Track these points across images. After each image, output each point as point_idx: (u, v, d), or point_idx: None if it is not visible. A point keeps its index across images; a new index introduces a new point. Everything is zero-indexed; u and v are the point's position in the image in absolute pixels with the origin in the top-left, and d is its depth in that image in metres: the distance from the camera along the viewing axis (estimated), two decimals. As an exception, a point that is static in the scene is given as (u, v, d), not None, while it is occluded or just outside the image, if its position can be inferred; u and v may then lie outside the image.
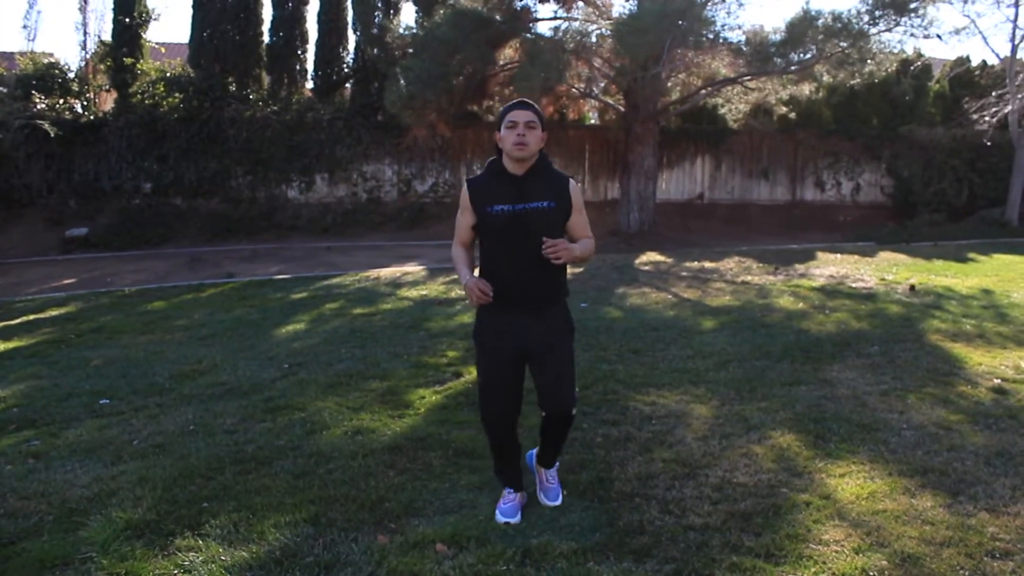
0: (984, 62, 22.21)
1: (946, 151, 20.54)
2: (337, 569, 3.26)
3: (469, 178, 3.71)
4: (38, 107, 17.68)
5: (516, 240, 3.53)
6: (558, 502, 3.90)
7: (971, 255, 14.29)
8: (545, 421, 3.74)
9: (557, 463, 4.04)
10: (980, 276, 11.53)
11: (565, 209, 3.60)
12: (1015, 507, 3.76)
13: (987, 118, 19.76)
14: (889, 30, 16.04)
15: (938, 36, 20.25)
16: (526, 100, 3.62)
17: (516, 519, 3.70)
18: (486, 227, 3.58)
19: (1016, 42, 19.48)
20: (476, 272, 3.64)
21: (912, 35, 16.17)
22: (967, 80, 21.64)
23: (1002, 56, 20.35)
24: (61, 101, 18.34)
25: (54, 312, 9.70)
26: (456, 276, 11.52)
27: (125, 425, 5.19)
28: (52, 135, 17.09)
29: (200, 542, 3.50)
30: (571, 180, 3.67)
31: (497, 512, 3.74)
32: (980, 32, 26.67)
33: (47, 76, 18.31)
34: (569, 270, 3.86)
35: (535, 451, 4.05)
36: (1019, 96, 19.03)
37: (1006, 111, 19.41)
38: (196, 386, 6.11)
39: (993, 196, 20.43)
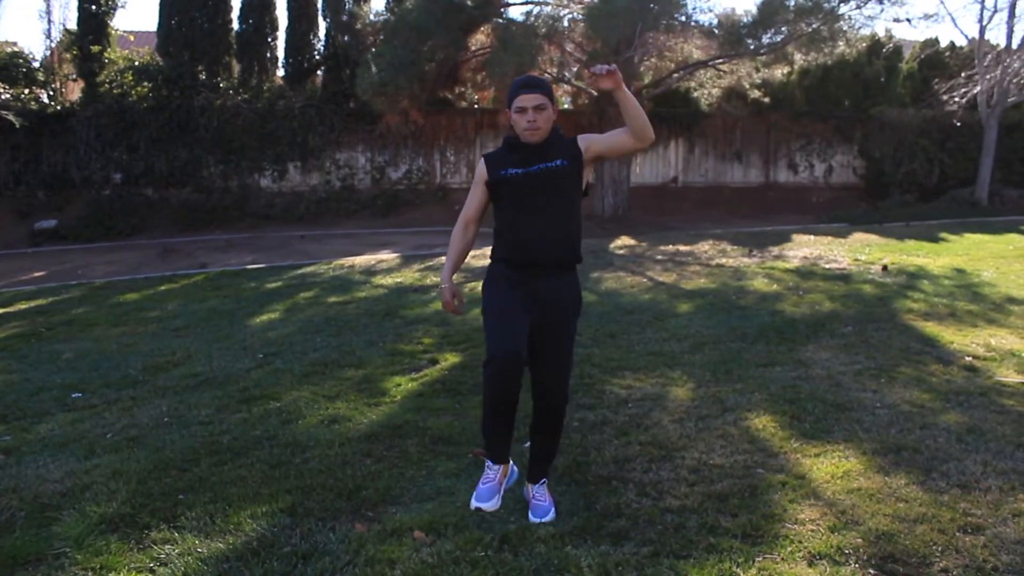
0: (953, 43, 22.42)
1: (917, 132, 20.73)
2: (315, 558, 3.24)
3: (487, 153, 3.72)
4: (2, 97, 17.37)
5: (529, 200, 3.52)
6: (548, 518, 3.54)
7: (942, 235, 14.44)
8: (535, 413, 3.65)
9: (545, 480, 3.73)
10: (951, 255, 11.65)
11: (577, 166, 3.54)
12: (986, 483, 3.81)
13: (956, 99, 19.96)
14: (859, 7, 16.16)
15: (908, 21, 20.54)
16: (532, 79, 3.58)
17: (491, 503, 3.54)
18: (501, 190, 3.57)
19: (984, 23, 19.69)
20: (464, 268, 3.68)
21: (882, 11, 16.36)
22: (936, 61, 21.83)
23: (970, 37, 20.55)
24: (26, 91, 18.03)
25: (23, 305, 9.57)
26: (431, 264, 11.50)
27: (98, 418, 5.13)
28: (17, 126, 16.82)
29: (176, 534, 3.47)
30: (579, 136, 3.64)
31: (473, 496, 3.56)
32: (949, 14, 26.93)
33: (11, 65, 17.97)
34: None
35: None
36: (987, 77, 19.21)
37: (975, 92, 19.59)
38: (170, 378, 6.05)
39: (963, 176, 20.65)
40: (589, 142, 3.61)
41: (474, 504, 3.56)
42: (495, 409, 3.53)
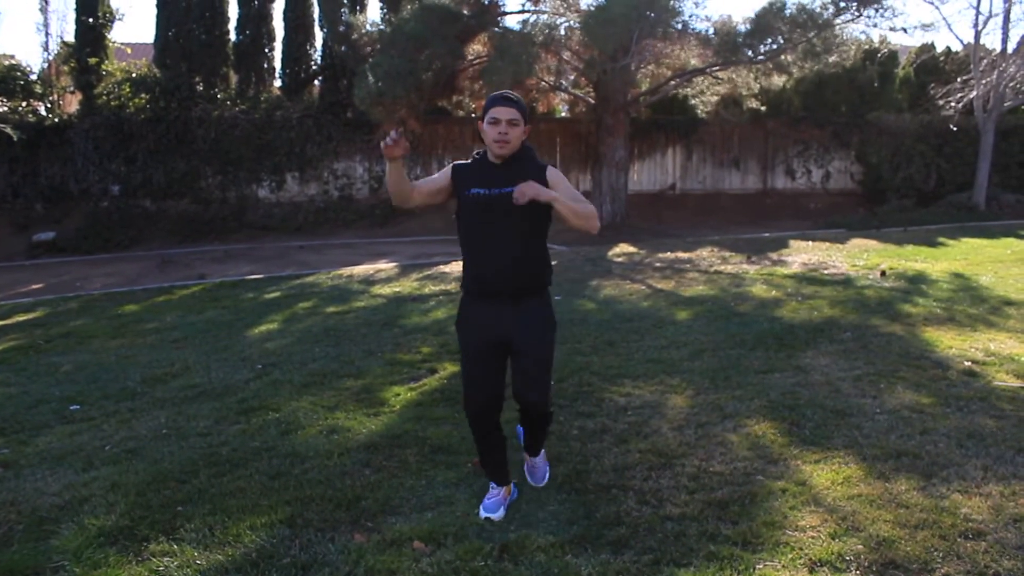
0: (948, 48, 22.46)
1: (913, 137, 20.77)
2: (314, 569, 3.24)
3: (455, 163, 3.74)
4: (0, 110, 17.41)
5: (493, 223, 3.56)
6: (543, 483, 4.00)
7: (940, 239, 14.45)
8: (521, 413, 3.82)
9: (543, 451, 4.08)
10: (949, 260, 11.66)
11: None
12: (987, 487, 3.80)
13: (953, 104, 20.00)
14: (853, 20, 16.23)
15: (904, 30, 20.54)
16: (509, 95, 3.60)
17: (498, 515, 3.67)
18: (465, 209, 3.63)
19: (979, 28, 19.72)
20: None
21: (875, 25, 16.44)
22: (932, 66, 21.87)
23: (966, 42, 20.58)
24: (24, 103, 18.06)
25: (21, 318, 9.56)
26: (429, 273, 11.49)
27: (96, 431, 5.12)
28: (15, 139, 16.83)
29: (175, 546, 3.46)
30: (549, 167, 3.68)
31: (480, 507, 3.73)
32: (944, 19, 27.02)
33: (8, 78, 18.01)
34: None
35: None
36: (984, 82, 19.26)
37: (971, 96, 19.63)
38: (168, 389, 6.05)
39: (960, 181, 20.68)
40: (554, 185, 3.60)
41: (482, 514, 3.69)
42: (481, 442, 3.80)
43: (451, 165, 3.73)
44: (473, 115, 20.31)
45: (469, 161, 3.73)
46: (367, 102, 16.35)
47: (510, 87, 15.30)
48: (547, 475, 4.07)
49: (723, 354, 6.45)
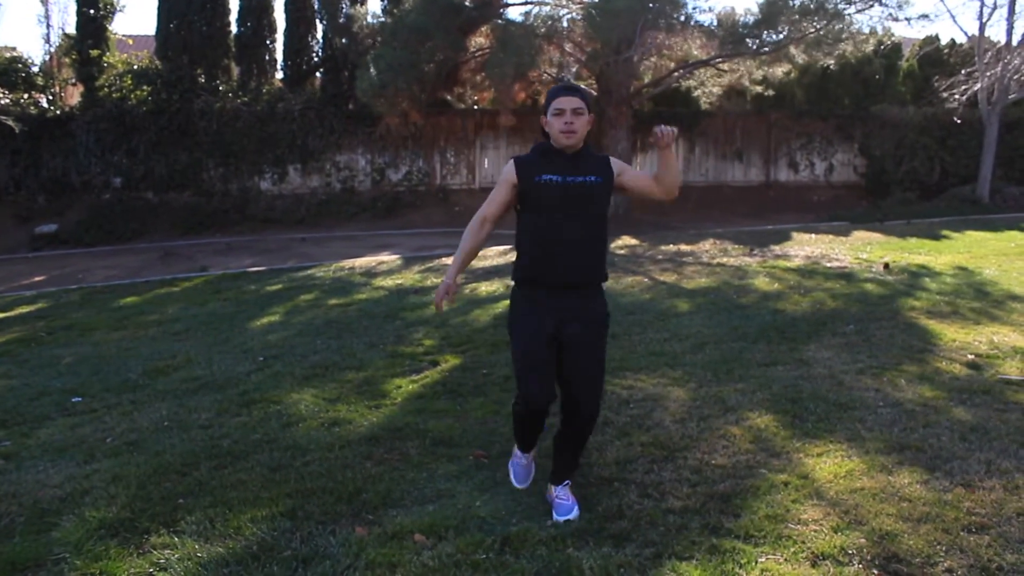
0: (953, 40, 22.39)
1: (917, 130, 20.70)
2: (315, 562, 3.23)
3: (517, 156, 3.66)
4: (1, 102, 17.40)
5: (561, 212, 3.47)
6: (572, 515, 3.56)
7: (944, 232, 14.41)
8: (564, 424, 3.62)
9: (568, 482, 3.71)
10: (953, 253, 11.63)
11: (609, 185, 3.54)
12: (990, 481, 3.79)
13: (957, 96, 19.92)
14: (863, 11, 16.16)
15: (907, 20, 20.49)
16: (573, 85, 3.62)
17: (528, 482, 3.88)
18: (533, 198, 3.51)
19: (984, 20, 19.65)
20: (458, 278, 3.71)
21: (890, 14, 16.36)
22: (936, 59, 21.78)
23: (970, 34, 20.51)
24: (26, 96, 18.06)
25: (23, 310, 9.56)
26: (431, 265, 11.46)
27: (98, 423, 5.12)
28: (17, 131, 16.83)
29: (176, 539, 3.45)
30: (610, 157, 3.66)
31: (513, 479, 3.91)
32: (948, 11, 26.99)
33: (10, 70, 18.01)
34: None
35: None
36: (988, 74, 19.17)
37: (975, 89, 19.55)
38: (170, 381, 6.04)
39: (964, 174, 20.62)
40: (621, 169, 3.59)
41: (517, 486, 3.87)
42: (525, 432, 3.81)
43: (511, 160, 3.62)
44: (476, 107, 20.28)
45: (530, 153, 3.63)
46: (369, 94, 16.35)
47: (513, 79, 15.31)
48: (576, 509, 3.61)
49: (725, 347, 6.44)
